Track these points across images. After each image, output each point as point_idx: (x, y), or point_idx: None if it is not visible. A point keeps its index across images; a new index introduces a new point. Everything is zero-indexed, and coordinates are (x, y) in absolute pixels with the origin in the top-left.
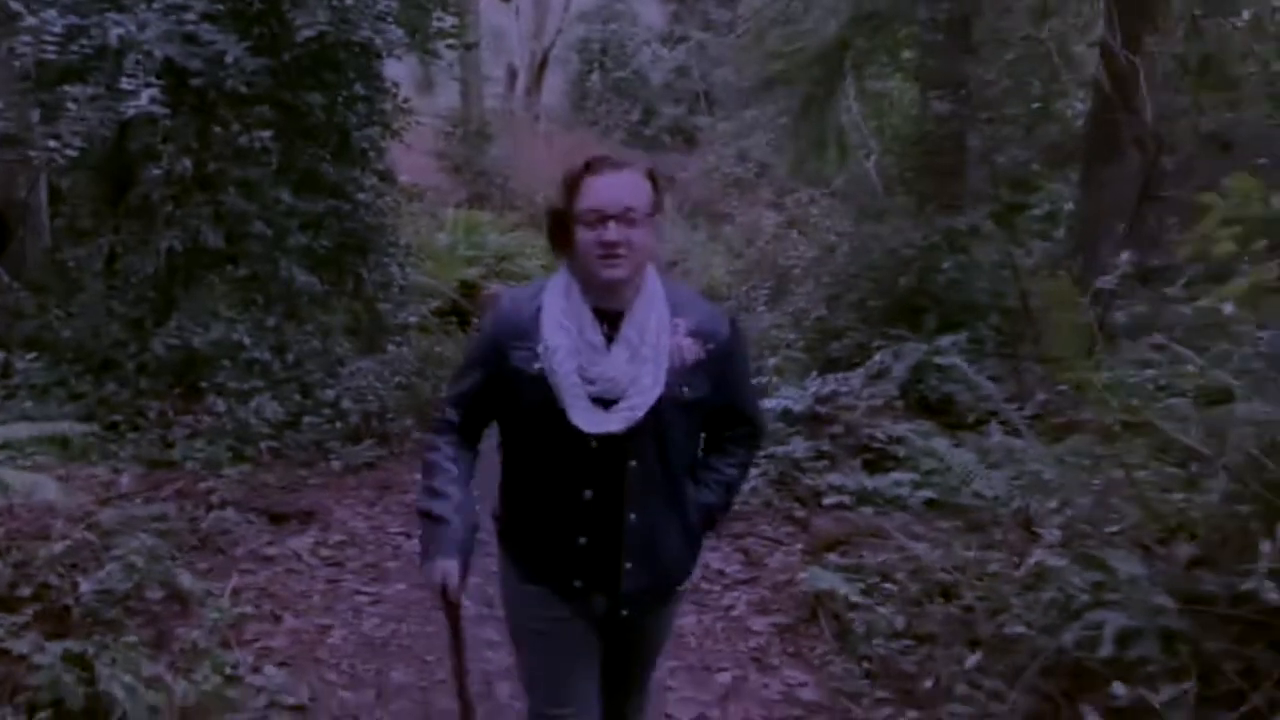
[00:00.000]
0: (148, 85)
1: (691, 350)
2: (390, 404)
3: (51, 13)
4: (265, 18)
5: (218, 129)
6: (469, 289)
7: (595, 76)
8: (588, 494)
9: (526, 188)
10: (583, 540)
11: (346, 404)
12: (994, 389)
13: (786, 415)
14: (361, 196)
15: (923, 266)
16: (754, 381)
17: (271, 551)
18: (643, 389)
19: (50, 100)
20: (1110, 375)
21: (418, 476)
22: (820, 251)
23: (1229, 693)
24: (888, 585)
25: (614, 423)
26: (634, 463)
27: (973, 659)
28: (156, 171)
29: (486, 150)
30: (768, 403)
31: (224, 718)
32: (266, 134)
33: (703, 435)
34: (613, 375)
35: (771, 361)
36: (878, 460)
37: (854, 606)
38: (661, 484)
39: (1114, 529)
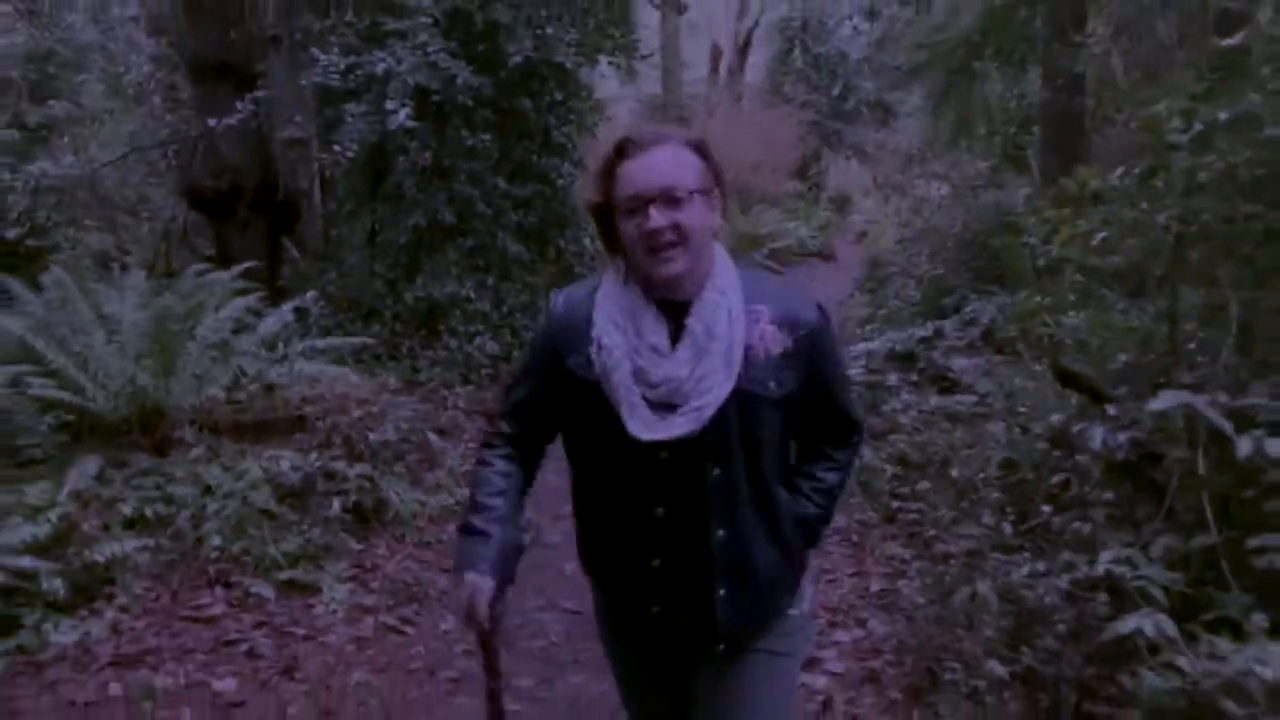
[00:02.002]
0: (403, 105)
1: (776, 340)
2: None
3: (335, 53)
4: (486, 47)
5: (450, 132)
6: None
7: (796, 53)
8: (659, 511)
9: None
10: (656, 563)
11: None
12: None
13: (891, 354)
14: (561, 182)
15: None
16: (845, 369)
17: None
18: (710, 387)
19: (333, 116)
20: None
21: None
22: (944, 217)
23: None
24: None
25: (676, 428)
26: (717, 471)
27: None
28: (405, 166)
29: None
30: (874, 344)
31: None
32: (487, 136)
33: (795, 439)
34: (676, 376)
35: (881, 312)
36: (950, 387)
37: (877, 472)
38: (751, 495)
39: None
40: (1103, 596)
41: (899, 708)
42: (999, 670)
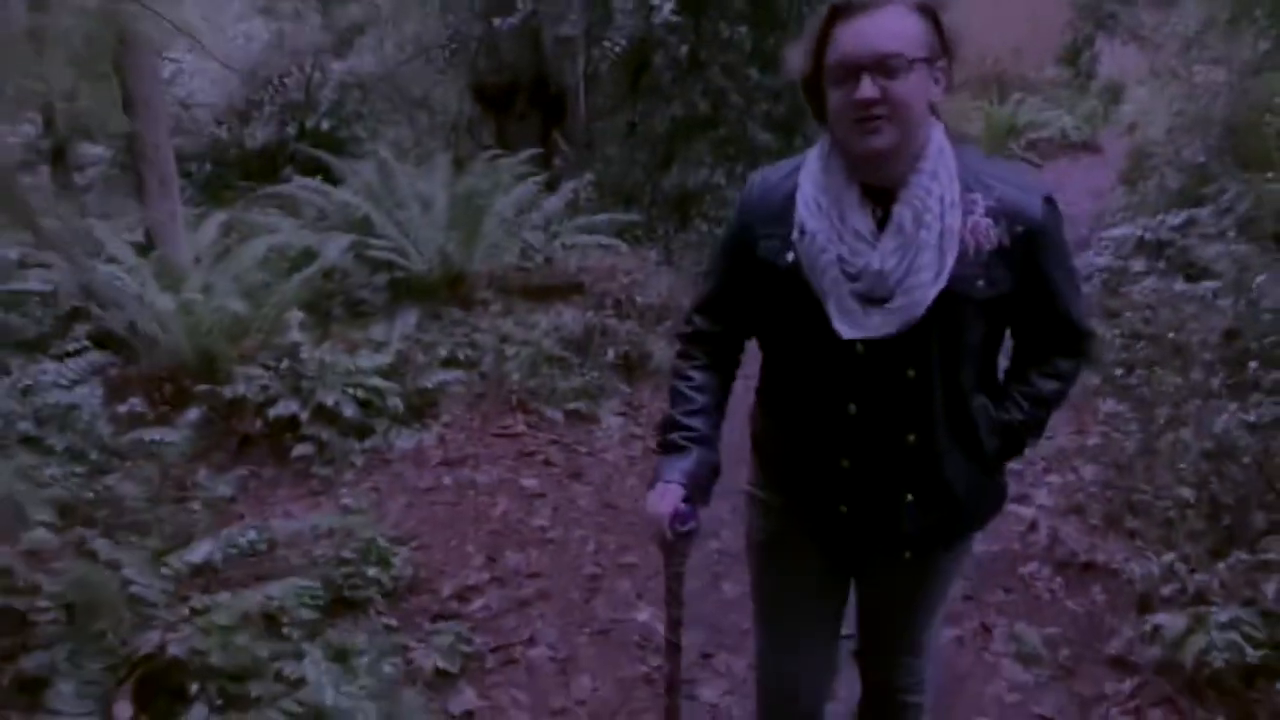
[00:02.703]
0: (666, 1)
1: (990, 234)
2: None
3: None
4: None
5: (707, 25)
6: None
7: None
8: (852, 408)
9: (977, 49)
10: (846, 463)
11: None
12: None
13: (1140, 242)
14: None
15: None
16: (1076, 275)
17: None
18: (919, 284)
19: (601, 14)
20: None
21: None
22: (1217, 104)
23: None
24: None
25: (883, 325)
26: (912, 372)
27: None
28: (664, 60)
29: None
30: (1120, 230)
31: None
32: (742, 28)
33: (1012, 343)
34: (881, 268)
35: (1137, 200)
36: (1199, 275)
37: (1106, 343)
38: (949, 400)
39: None
40: None
41: (1098, 531)
42: (1186, 494)
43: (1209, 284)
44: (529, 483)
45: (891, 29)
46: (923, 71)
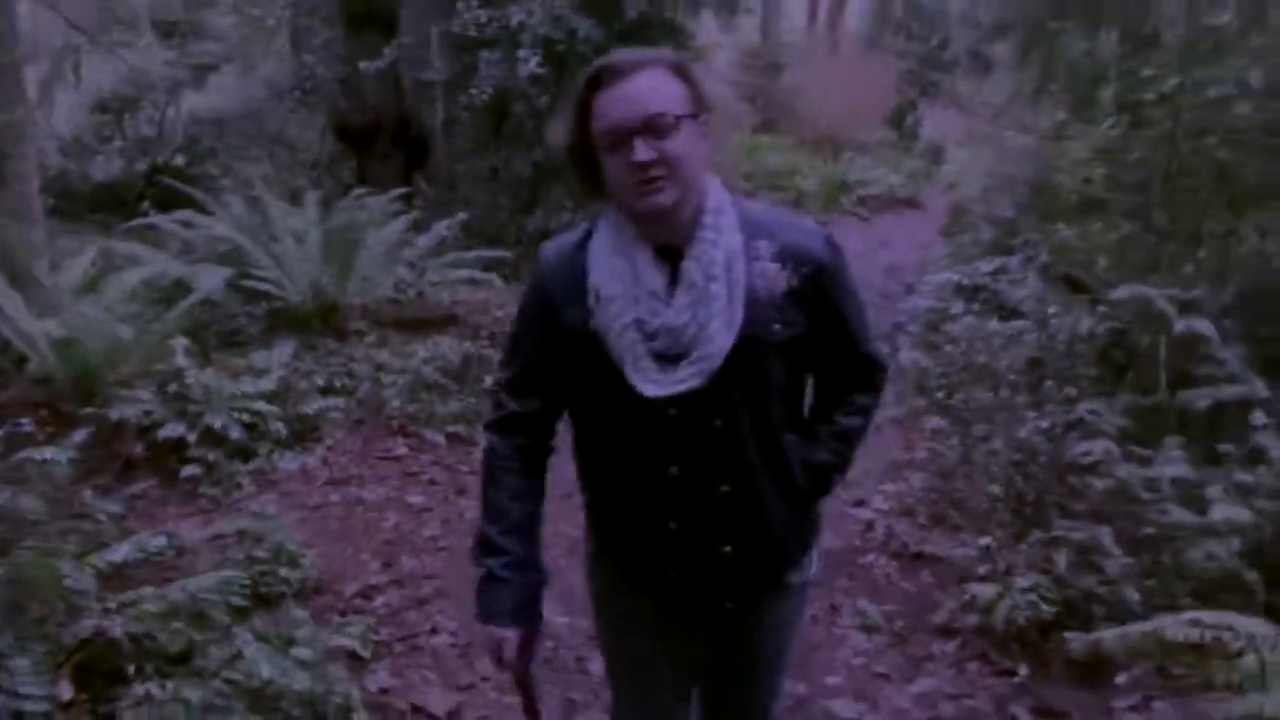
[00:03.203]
0: (534, 53)
1: (779, 278)
2: None
3: (476, 5)
4: (606, 2)
5: (568, 79)
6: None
7: (896, 3)
8: (673, 470)
9: (812, 113)
10: (673, 525)
11: None
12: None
13: (958, 286)
14: None
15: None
16: (863, 309)
17: None
18: (714, 334)
19: (468, 62)
20: None
21: None
22: (1022, 166)
23: None
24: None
25: (682, 382)
26: (718, 422)
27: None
28: (525, 109)
29: (778, 79)
30: (941, 276)
31: None
32: None
33: (810, 384)
34: (675, 323)
35: (956, 252)
36: (1010, 315)
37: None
38: (758, 445)
39: None
40: (1075, 435)
41: (926, 527)
42: (997, 490)
43: (1018, 323)
44: (416, 499)
45: (652, 90)
46: (690, 127)
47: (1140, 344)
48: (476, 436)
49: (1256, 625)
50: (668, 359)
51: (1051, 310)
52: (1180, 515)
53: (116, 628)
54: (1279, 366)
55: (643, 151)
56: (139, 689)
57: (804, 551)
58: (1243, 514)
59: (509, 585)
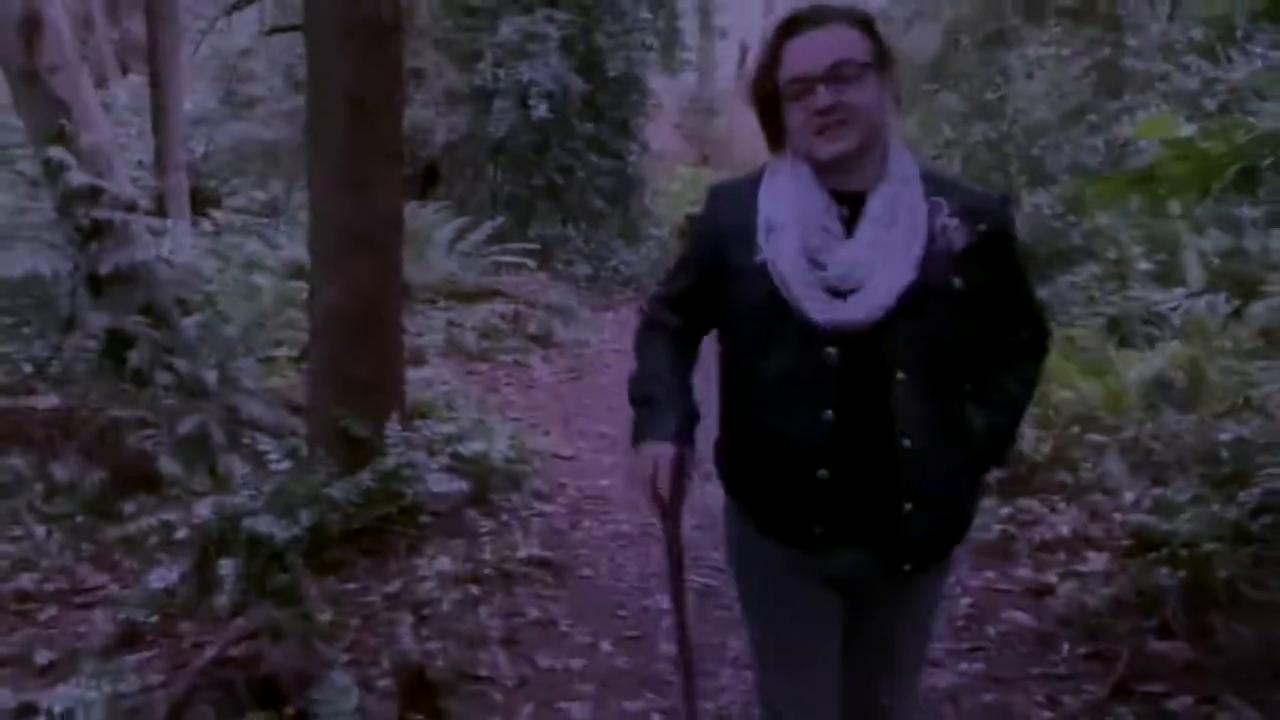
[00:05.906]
0: (542, 101)
1: (960, 233)
2: (642, 269)
3: (491, 63)
4: (592, 65)
5: (563, 122)
6: (689, 218)
7: None
8: (827, 414)
9: (743, 149)
10: (822, 473)
11: (621, 268)
12: None
13: None
14: (631, 158)
15: None
16: (1030, 277)
17: (587, 315)
18: (890, 273)
19: (484, 108)
20: None
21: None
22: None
23: None
24: None
25: (852, 312)
26: (901, 374)
27: None
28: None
29: (714, 121)
30: None
31: None
32: (589, 125)
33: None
34: (850, 260)
35: None
36: None
37: None
38: (937, 401)
39: None
40: None
41: None
42: None
43: None
44: (503, 391)
45: (839, 40)
46: (873, 78)
47: None
48: (530, 360)
49: None
50: (839, 294)
51: None
52: None
53: None
54: None
55: (825, 97)
56: None
57: (971, 519)
58: None
59: (669, 406)
